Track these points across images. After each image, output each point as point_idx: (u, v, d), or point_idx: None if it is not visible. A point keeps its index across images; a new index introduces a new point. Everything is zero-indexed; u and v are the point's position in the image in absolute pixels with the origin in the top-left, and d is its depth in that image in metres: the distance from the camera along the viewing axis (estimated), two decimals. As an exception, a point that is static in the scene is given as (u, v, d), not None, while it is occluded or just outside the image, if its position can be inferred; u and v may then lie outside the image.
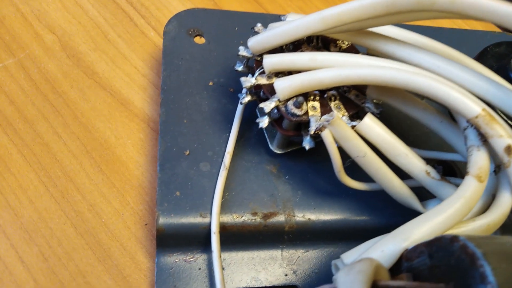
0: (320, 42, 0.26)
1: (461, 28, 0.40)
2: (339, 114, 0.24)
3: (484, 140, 0.21)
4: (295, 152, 0.27)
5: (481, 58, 0.31)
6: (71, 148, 0.28)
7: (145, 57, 0.33)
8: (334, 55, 0.23)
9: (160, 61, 0.33)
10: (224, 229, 0.24)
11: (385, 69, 0.21)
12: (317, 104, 0.24)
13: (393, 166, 0.23)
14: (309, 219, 0.25)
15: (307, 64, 0.23)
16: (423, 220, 0.19)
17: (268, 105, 0.23)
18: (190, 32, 0.31)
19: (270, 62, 0.24)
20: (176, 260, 0.25)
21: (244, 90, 0.25)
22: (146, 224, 0.27)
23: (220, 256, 0.24)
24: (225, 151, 0.26)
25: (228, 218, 0.25)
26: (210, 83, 0.29)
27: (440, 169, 0.23)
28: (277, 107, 0.23)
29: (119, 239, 0.26)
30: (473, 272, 0.14)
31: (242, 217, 0.25)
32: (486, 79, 0.22)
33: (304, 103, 0.23)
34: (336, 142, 0.23)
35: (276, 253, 0.26)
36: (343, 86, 0.25)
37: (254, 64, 0.25)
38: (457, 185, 0.23)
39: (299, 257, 0.26)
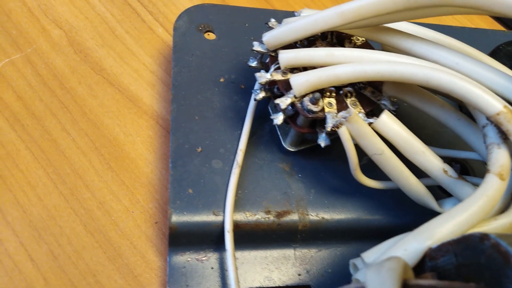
0: (335, 38, 0.25)
1: (466, 27, 0.40)
2: (356, 111, 0.23)
3: (504, 137, 0.20)
4: (307, 150, 0.27)
5: (493, 56, 0.30)
6: (80, 145, 0.28)
7: (153, 53, 0.32)
8: (352, 50, 0.22)
9: (169, 57, 0.32)
10: (237, 228, 0.24)
11: (405, 65, 0.21)
12: (333, 100, 0.23)
13: (408, 164, 0.23)
14: (322, 218, 0.25)
15: (324, 59, 0.22)
16: (446, 219, 0.18)
17: (284, 101, 0.23)
18: (200, 28, 0.30)
19: (286, 57, 0.23)
20: (189, 259, 0.24)
21: (258, 86, 0.25)
22: (156, 222, 0.26)
23: (234, 255, 0.23)
24: (237, 149, 0.26)
25: (241, 217, 0.24)
26: (221, 80, 0.29)
27: (458, 167, 0.23)
28: (292, 103, 0.23)
29: (129, 237, 0.25)
30: (507, 271, 0.13)
31: (255, 215, 0.24)
32: (505, 76, 0.21)
33: (321, 100, 0.23)
34: (353, 139, 0.22)
35: (289, 252, 0.25)
36: (359, 83, 0.24)
37: (267, 60, 0.25)
38: (473, 184, 0.23)
39: (312, 256, 0.26)
